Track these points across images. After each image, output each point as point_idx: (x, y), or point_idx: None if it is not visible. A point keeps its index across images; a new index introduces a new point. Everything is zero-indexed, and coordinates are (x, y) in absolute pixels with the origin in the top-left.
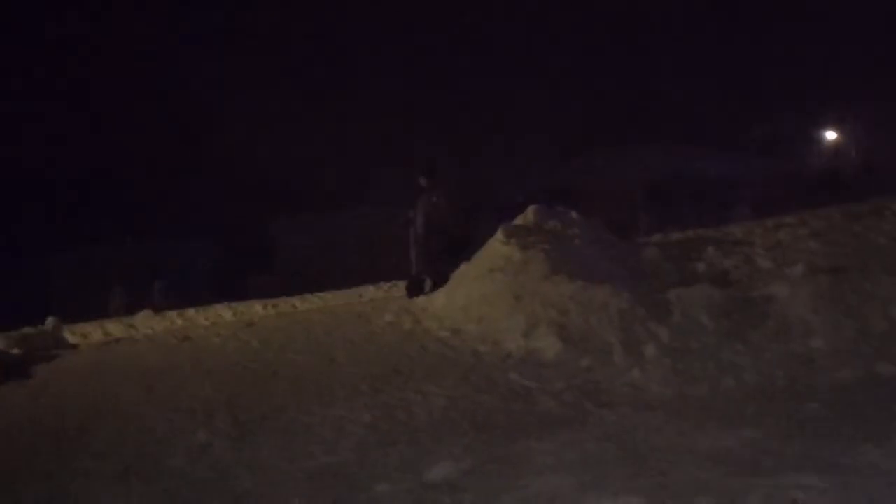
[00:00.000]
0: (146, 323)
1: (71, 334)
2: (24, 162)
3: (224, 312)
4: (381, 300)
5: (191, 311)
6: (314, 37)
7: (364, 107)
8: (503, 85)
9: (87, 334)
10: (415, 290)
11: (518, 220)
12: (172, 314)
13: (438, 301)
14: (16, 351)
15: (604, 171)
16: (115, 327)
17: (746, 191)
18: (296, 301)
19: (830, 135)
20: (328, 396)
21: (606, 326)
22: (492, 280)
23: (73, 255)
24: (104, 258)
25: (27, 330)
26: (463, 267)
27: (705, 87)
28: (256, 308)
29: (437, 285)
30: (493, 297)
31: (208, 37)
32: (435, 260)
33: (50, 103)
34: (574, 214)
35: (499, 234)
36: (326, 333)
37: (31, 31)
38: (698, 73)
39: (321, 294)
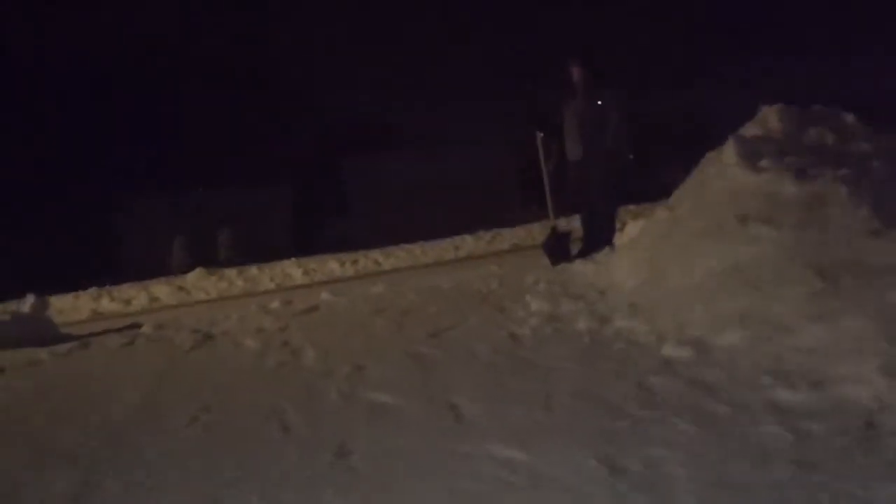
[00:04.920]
0: (199, 284)
1: (110, 300)
2: (86, 109)
3: (292, 271)
4: (507, 266)
5: (253, 269)
6: None
7: (444, 41)
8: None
9: (130, 300)
10: (560, 251)
11: (751, 129)
12: (232, 272)
13: (629, 275)
14: None
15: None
16: (162, 290)
17: None
18: (378, 255)
19: None
20: None
21: None
22: (747, 238)
23: (140, 206)
24: (171, 209)
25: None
26: (661, 213)
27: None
28: (331, 265)
29: (592, 243)
30: (761, 272)
31: None
32: (596, 201)
33: (114, 50)
34: (851, 117)
35: (730, 152)
36: (431, 337)
37: None
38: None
39: (408, 245)
